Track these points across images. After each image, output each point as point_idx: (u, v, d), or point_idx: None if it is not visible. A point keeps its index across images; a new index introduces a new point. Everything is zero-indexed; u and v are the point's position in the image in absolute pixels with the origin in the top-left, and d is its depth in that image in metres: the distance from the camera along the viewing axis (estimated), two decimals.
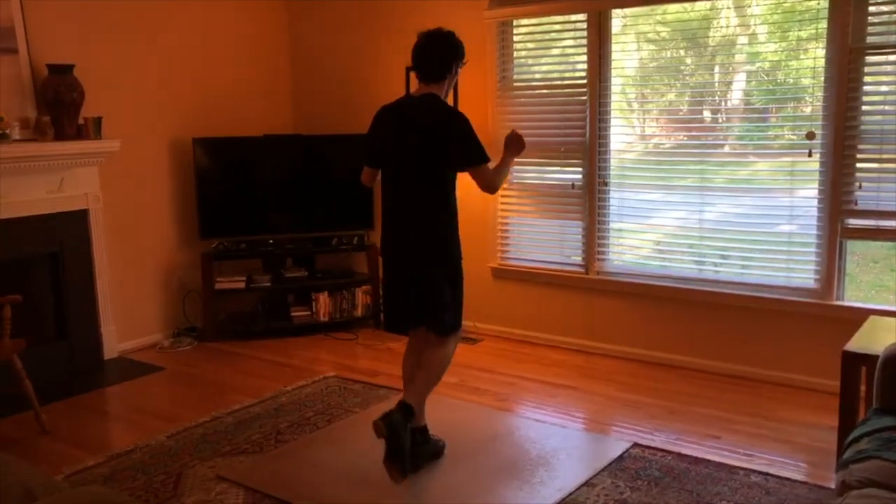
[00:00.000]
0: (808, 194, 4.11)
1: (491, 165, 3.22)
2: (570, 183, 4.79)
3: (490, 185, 3.21)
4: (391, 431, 3.01)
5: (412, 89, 3.28)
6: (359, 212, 5.41)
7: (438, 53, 3.21)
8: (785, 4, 4.12)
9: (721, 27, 4.40)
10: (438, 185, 3.14)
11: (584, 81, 4.65)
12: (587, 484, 3.12)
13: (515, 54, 4.97)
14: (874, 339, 3.03)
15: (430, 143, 3.12)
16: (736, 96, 4.49)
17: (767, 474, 3.17)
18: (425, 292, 3.20)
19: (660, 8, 4.42)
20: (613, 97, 4.64)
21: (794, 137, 4.16)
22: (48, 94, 4.35)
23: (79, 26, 4.63)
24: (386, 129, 3.24)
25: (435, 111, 3.15)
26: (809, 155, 4.03)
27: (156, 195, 5.16)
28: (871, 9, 3.80)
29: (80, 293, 4.66)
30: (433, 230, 3.16)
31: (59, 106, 4.37)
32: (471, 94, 4.91)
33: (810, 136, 4.01)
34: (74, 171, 4.55)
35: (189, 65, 5.25)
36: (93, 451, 3.52)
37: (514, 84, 4.97)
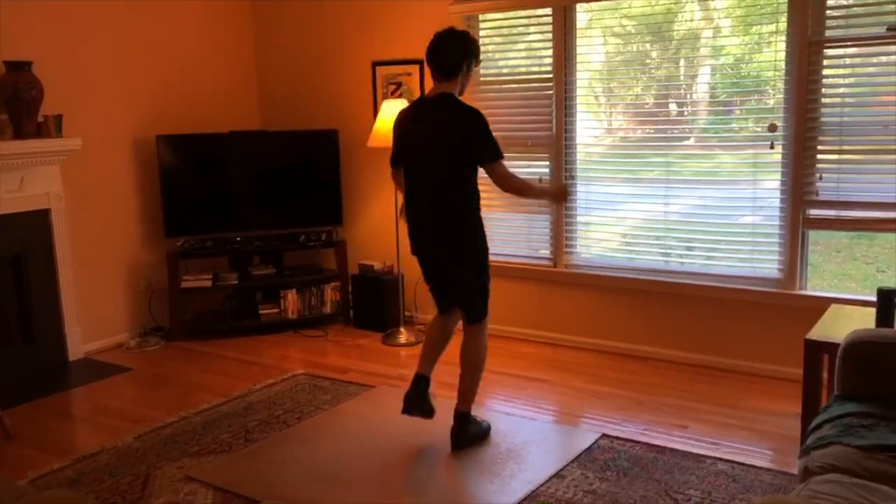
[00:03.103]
0: (771, 185, 4.17)
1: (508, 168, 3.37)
2: (538, 177, 4.81)
3: (505, 180, 3.33)
4: (466, 441, 3.42)
5: (426, 90, 3.41)
6: (327, 208, 5.38)
7: (448, 50, 3.30)
8: None
9: (685, 21, 4.44)
10: (455, 180, 3.27)
11: (551, 75, 4.67)
12: (557, 475, 3.15)
13: (482, 48, 4.95)
14: (835, 326, 3.09)
15: (445, 141, 3.24)
16: (701, 89, 4.54)
17: (734, 462, 3.22)
18: (454, 282, 3.39)
19: (625, 1, 4.45)
20: (579, 91, 4.66)
21: (758, 130, 4.22)
22: (6, 91, 4.26)
23: (38, 22, 4.54)
24: (405, 130, 3.37)
25: (449, 109, 3.27)
26: (771, 147, 4.08)
27: (120, 194, 5.08)
28: (830, 2, 3.85)
29: (43, 294, 4.58)
30: (454, 224, 3.30)
31: (17, 103, 4.28)
32: None
33: (772, 128, 4.07)
34: (35, 170, 4.46)
35: (152, 61, 5.18)
36: (58, 455, 3.46)
37: (481, 79, 4.96)
